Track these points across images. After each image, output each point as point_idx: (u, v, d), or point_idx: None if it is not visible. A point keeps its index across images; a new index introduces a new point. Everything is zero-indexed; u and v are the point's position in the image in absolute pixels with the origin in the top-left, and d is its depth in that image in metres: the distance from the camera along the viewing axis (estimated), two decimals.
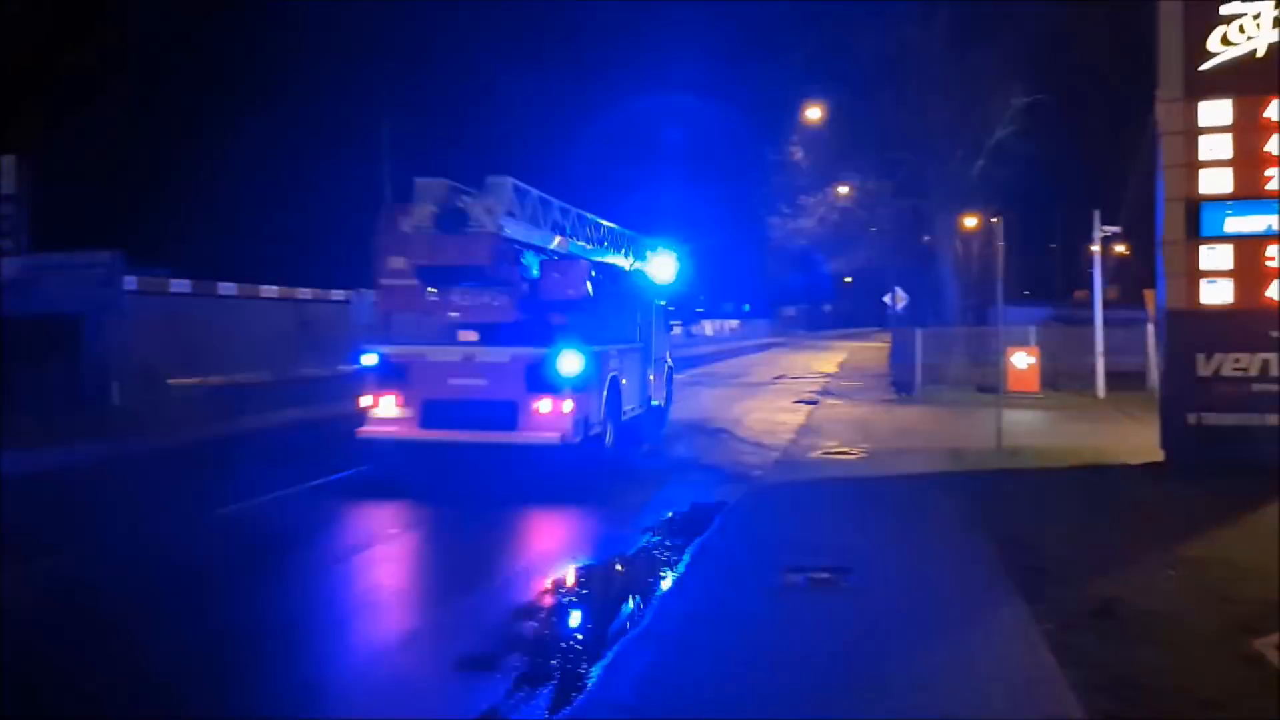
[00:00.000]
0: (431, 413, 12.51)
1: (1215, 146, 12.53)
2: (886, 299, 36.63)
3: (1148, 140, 13.15)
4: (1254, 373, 12.30)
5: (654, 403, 17.06)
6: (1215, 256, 12.52)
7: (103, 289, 20.61)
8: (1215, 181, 12.55)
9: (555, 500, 11.81)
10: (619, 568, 8.82)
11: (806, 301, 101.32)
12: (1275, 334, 12.24)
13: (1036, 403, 21.39)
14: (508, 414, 12.36)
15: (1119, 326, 24.55)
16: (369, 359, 12.79)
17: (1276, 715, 5.33)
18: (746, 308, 70.91)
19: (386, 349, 12.91)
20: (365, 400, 12.73)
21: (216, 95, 29.81)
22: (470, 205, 12.33)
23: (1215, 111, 12.52)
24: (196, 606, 7.66)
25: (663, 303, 18.04)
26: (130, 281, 22.73)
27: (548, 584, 8.24)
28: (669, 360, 18.60)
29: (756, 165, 38.28)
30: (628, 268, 16.64)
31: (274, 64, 31.71)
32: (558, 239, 13.98)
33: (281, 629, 7.02)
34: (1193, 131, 12.55)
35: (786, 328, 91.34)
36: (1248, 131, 12.42)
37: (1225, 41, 12.43)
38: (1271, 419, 12.21)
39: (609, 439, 13.84)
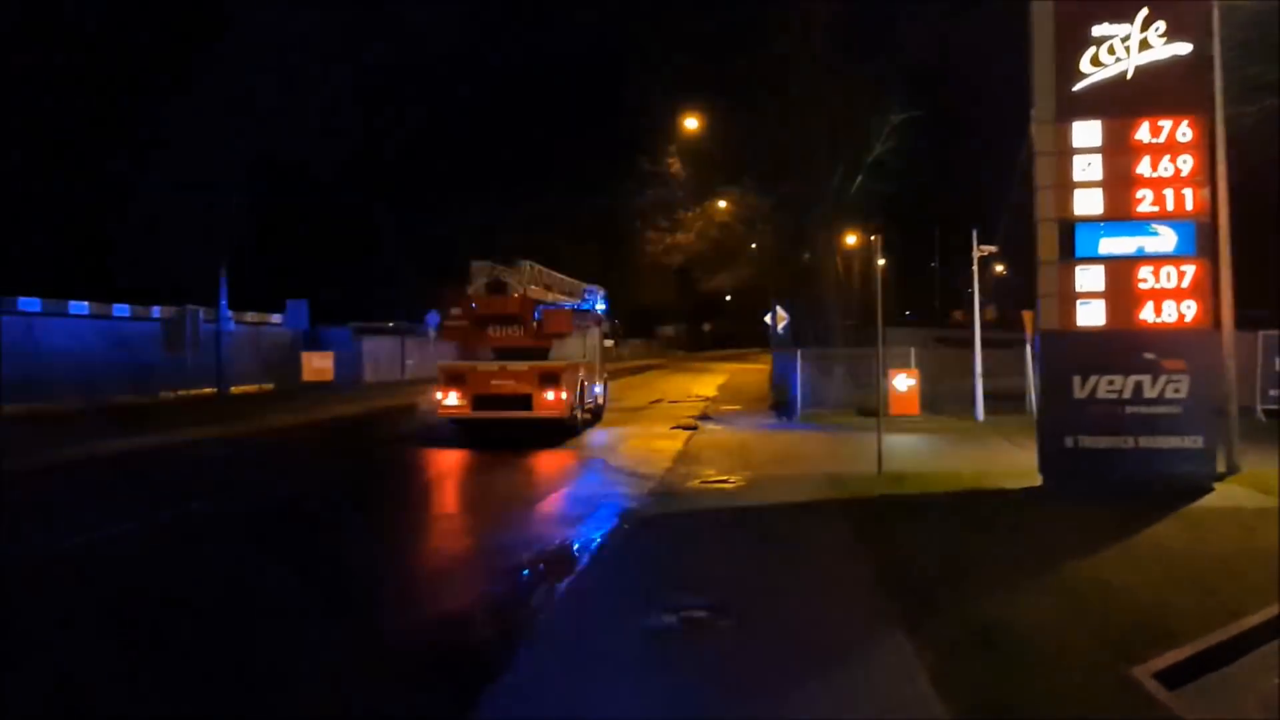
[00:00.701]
0: (479, 401, 20.37)
1: (1088, 167, 12.83)
2: (767, 318, 36.93)
3: (1024, 160, 13.40)
4: (1127, 395, 12.61)
5: (600, 402, 25.29)
6: (1089, 278, 12.82)
7: None
8: (1088, 202, 12.84)
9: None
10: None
11: (685, 320, 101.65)
12: (1146, 356, 12.59)
13: (917, 426, 21.76)
14: (527, 401, 20.26)
15: (998, 348, 24.94)
16: (447, 368, 20.91)
17: None
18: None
19: (452, 364, 21.30)
20: (439, 394, 20.54)
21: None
22: (508, 277, 21.07)
23: (1087, 133, 12.82)
24: None
25: (601, 331, 25.98)
26: None
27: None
28: (606, 372, 26.84)
29: (633, 177, 38.06)
30: (577, 304, 24.58)
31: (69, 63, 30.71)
32: (551, 294, 22.83)
33: None
34: (1066, 152, 12.82)
35: (665, 348, 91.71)
36: (1118, 153, 12.77)
37: (1096, 62, 12.79)
38: (1144, 441, 12.56)
39: (580, 420, 22.12)
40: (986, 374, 23.46)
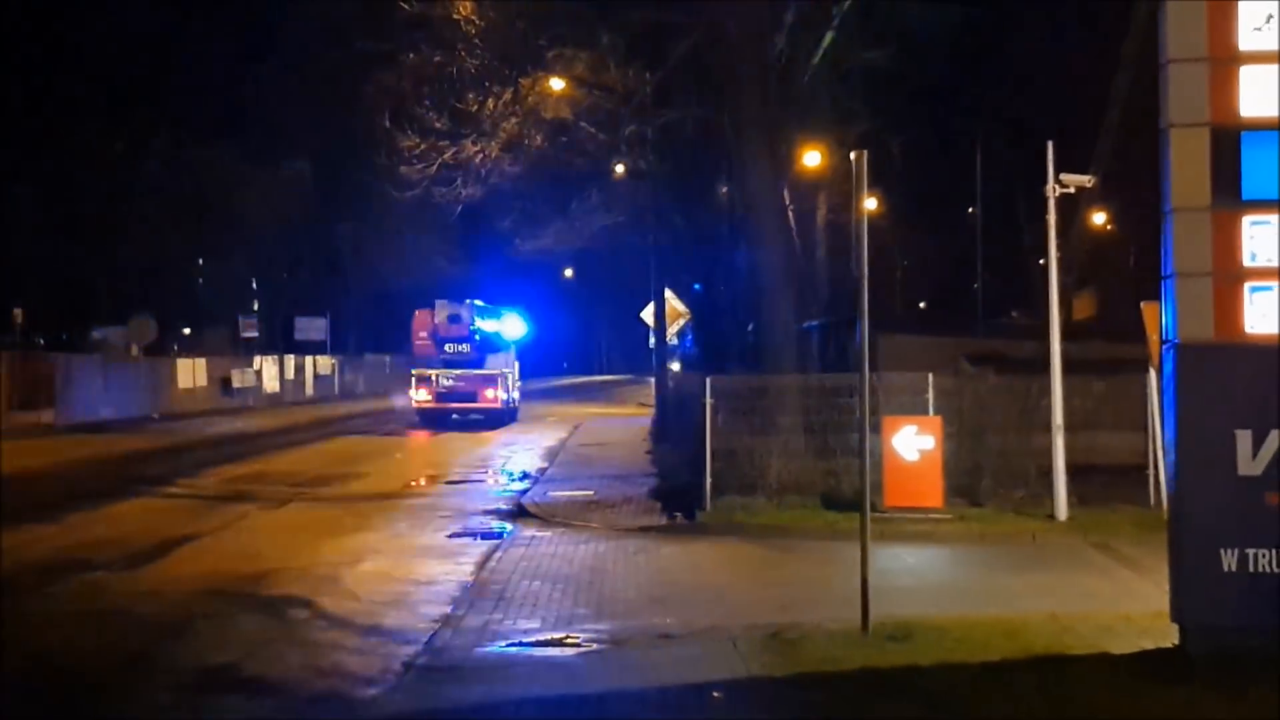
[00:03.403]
0: (441, 396, 40.90)
1: (1267, 22, 9.92)
2: (646, 316, 32.69)
3: (1140, 10, 11.31)
4: None
5: (514, 405, 43.56)
6: (1270, 239, 9.88)
7: None
8: (1266, 92, 9.84)
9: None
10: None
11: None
12: None
13: (939, 530, 17.60)
14: (474, 396, 40.54)
15: (1097, 373, 20.39)
16: (418, 373, 41.38)
17: None
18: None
19: (422, 370, 41.37)
20: (413, 392, 41.36)
21: None
22: (461, 312, 41.10)
23: None
24: None
25: (513, 347, 43.49)
26: None
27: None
28: (519, 382, 45.17)
29: (381, 33, 26.09)
30: (500, 328, 42.50)
31: None
32: (487, 322, 42.26)
33: None
34: None
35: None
36: None
37: None
38: None
39: (509, 409, 42.00)
40: (1073, 425, 18.44)
